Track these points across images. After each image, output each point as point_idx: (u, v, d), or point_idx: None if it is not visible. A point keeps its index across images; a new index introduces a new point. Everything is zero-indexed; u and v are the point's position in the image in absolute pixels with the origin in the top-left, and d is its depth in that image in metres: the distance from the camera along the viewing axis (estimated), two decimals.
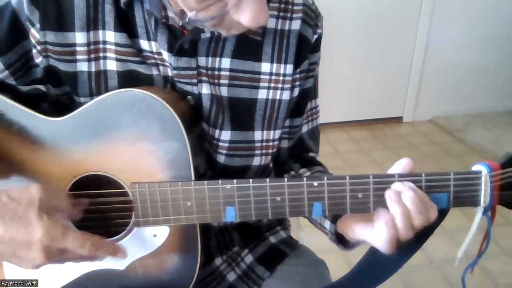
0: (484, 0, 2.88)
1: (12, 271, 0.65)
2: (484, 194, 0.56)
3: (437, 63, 2.99)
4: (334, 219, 0.67)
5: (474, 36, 2.96)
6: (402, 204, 0.54)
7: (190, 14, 0.52)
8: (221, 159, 0.70)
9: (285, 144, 0.78)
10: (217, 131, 0.68)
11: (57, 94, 0.69)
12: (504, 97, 3.20)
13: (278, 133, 0.72)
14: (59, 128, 0.61)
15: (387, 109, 3.10)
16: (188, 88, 0.65)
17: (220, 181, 0.58)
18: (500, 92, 3.19)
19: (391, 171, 0.57)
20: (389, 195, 0.55)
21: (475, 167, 0.57)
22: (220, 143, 0.69)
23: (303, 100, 0.74)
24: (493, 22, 2.95)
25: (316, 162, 0.80)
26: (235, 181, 0.58)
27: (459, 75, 3.07)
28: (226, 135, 0.68)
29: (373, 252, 0.63)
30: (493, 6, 2.90)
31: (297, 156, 0.80)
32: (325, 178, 0.56)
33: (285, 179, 0.57)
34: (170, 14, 0.61)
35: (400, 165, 0.57)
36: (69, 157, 0.62)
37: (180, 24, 0.56)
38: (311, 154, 0.81)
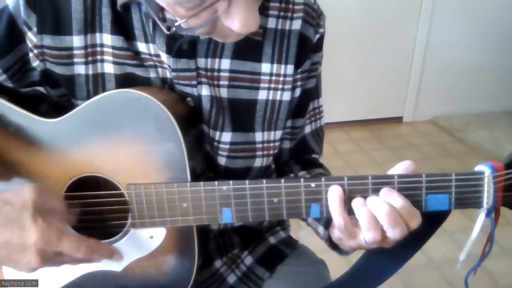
0: (484, 0, 2.87)
1: (11, 271, 0.65)
2: (487, 196, 0.54)
3: (437, 63, 2.99)
4: (327, 225, 0.66)
5: (474, 36, 2.96)
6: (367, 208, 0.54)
7: (181, 22, 0.51)
8: (223, 161, 0.69)
9: (287, 144, 0.77)
10: (217, 133, 0.67)
11: (56, 95, 0.68)
12: (504, 97, 3.20)
13: (279, 133, 0.71)
14: (54, 129, 0.61)
15: (387, 109, 3.09)
16: (188, 89, 0.65)
17: (216, 182, 0.57)
18: (500, 92, 3.19)
19: (391, 172, 0.56)
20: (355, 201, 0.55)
21: (478, 168, 0.55)
22: (221, 145, 0.68)
23: (305, 100, 0.73)
24: (493, 22, 2.95)
25: (318, 164, 0.79)
26: (231, 182, 0.57)
27: (459, 75, 3.07)
28: (226, 136, 0.67)
29: (371, 252, 0.62)
30: (493, 6, 2.90)
31: (299, 157, 0.79)
32: (323, 179, 0.55)
33: (282, 180, 0.56)
34: (168, 15, 0.60)
35: (402, 167, 0.56)
36: (65, 158, 0.61)
37: (171, 32, 0.55)
38: (314, 155, 0.80)
